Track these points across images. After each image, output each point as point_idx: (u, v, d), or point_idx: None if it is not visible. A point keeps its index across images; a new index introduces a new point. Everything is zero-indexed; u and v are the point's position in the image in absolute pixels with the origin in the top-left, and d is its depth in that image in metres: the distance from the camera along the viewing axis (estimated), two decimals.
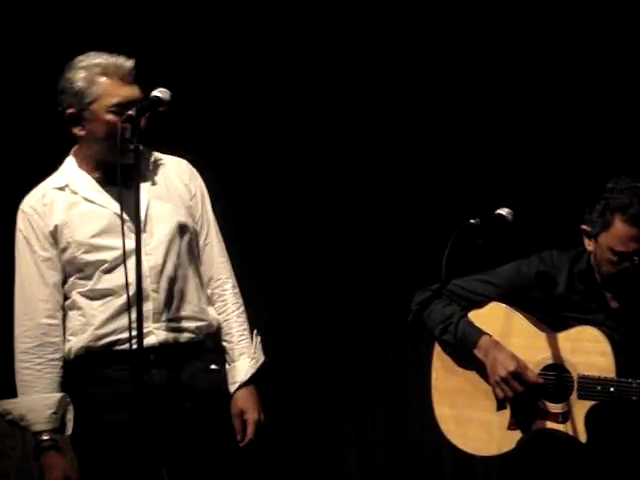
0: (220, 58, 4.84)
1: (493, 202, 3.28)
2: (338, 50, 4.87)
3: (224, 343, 3.27)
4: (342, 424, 4.62)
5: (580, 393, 3.21)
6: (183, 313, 3.18)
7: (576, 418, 3.21)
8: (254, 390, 3.25)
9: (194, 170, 3.32)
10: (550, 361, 3.30)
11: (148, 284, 3.10)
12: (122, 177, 3.01)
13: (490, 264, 3.56)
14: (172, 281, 3.16)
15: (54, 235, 3.15)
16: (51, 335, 3.15)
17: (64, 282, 3.18)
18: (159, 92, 3.05)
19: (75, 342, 3.15)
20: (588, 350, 3.23)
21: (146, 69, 3.17)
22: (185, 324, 3.17)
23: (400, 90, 4.91)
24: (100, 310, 3.14)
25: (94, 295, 3.15)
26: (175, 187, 3.24)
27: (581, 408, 3.20)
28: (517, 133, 4.74)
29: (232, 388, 3.24)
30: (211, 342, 3.26)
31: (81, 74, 3.08)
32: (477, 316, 3.43)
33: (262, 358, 3.29)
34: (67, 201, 3.17)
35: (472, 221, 3.20)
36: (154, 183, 3.21)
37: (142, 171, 3.13)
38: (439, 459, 4.80)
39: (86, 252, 3.13)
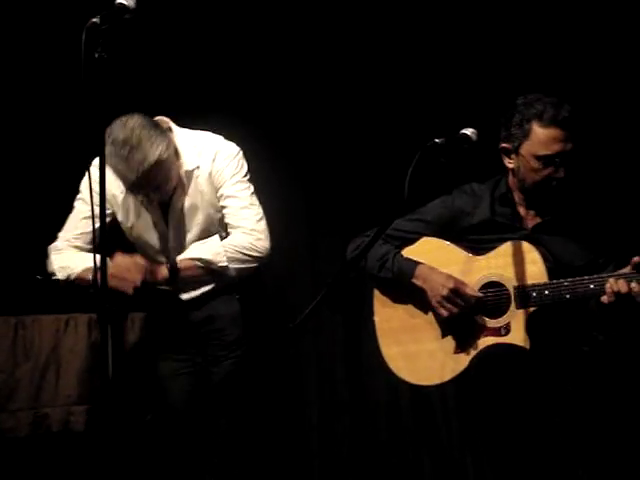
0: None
1: (458, 122, 3.29)
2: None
3: None
4: (301, 337, 4.68)
5: (518, 303, 3.33)
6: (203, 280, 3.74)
7: (518, 328, 3.33)
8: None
9: (222, 156, 3.72)
10: (486, 280, 3.41)
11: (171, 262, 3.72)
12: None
13: (454, 183, 3.58)
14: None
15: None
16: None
17: None
18: None
19: None
20: (519, 262, 3.35)
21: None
22: (205, 288, 3.76)
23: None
24: None
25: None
26: (204, 189, 3.71)
27: (521, 317, 3.32)
28: (481, 56, 4.72)
29: None
30: (234, 284, 3.78)
31: (107, 150, 3.36)
32: (410, 252, 3.54)
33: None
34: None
35: (437, 140, 3.27)
36: (184, 192, 3.69)
37: (177, 181, 3.64)
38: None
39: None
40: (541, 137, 3.33)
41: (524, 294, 3.31)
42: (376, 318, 3.55)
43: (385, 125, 4.90)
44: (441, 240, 3.50)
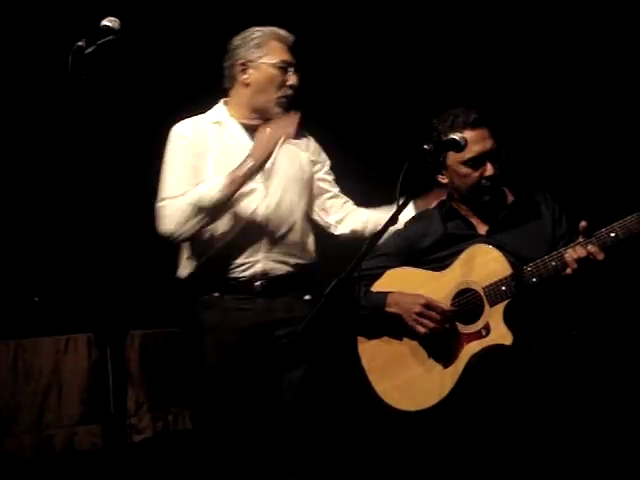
0: None
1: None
2: None
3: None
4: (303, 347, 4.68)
5: (491, 301, 3.37)
6: (287, 250, 3.64)
7: (497, 324, 3.35)
8: None
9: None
10: (456, 290, 3.45)
11: (262, 221, 3.59)
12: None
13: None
14: (282, 222, 3.64)
15: (198, 158, 3.59)
16: None
17: None
18: (108, 21, 3.04)
19: (189, 264, 3.62)
20: (481, 263, 3.41)
21: None
22: (287, 259, 3.64)
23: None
24: (216, 239, 3.58)
25: (213, 226, 3.58)
26: (300, 150, 3.75)
27: (497, 313, 3.36)
28: (471, 58, 4.75)
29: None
30: (307, 275, 3.69)
31: (257, 34, 3.66)
32: (378, 286, 3.57)
33: None
34: (216, 133, 3.65)
35: (425, 146, 3.33)
36: (287, 141, 3.64)
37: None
38: None
39: None
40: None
41: (494, 291, 3.36)
42: (363, 360, 3.59)
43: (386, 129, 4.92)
44: (404, 268, 3.56)
